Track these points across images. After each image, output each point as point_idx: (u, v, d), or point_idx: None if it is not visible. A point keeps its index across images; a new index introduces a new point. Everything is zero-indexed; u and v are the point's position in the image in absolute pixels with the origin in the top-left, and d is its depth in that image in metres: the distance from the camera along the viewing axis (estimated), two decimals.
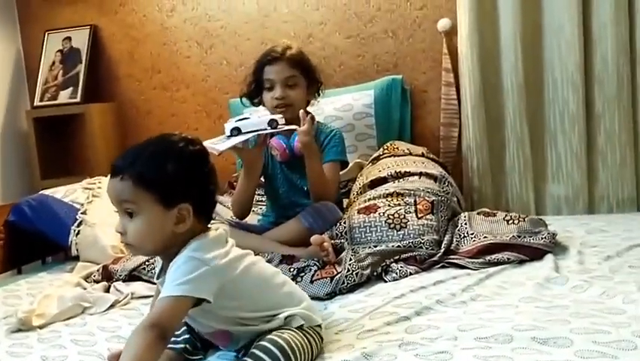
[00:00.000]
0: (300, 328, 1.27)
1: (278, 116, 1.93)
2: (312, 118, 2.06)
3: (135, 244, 1.22)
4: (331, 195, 2.08)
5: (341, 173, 2.31)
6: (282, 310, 1.28)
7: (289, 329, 1.25)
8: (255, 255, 1.85)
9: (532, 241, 1.87)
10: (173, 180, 1.19)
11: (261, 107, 2.23)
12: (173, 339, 1.31)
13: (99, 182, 2.51)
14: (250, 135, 1.88)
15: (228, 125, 1.89)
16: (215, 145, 1.82)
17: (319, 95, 2.19)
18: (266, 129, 1.90)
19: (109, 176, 1.23)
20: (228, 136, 1.88)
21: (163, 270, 1.26)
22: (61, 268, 2.25)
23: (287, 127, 1.94)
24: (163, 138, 1.26)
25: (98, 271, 2.03)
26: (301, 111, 1.97)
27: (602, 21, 2.43)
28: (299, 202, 2.06)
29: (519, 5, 2.50)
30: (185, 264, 1.16)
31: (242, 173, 2.05)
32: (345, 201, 2.32)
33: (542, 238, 1.88)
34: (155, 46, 3.13)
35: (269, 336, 1.21)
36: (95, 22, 3.19)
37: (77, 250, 2.24)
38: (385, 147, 2.51)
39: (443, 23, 2.66)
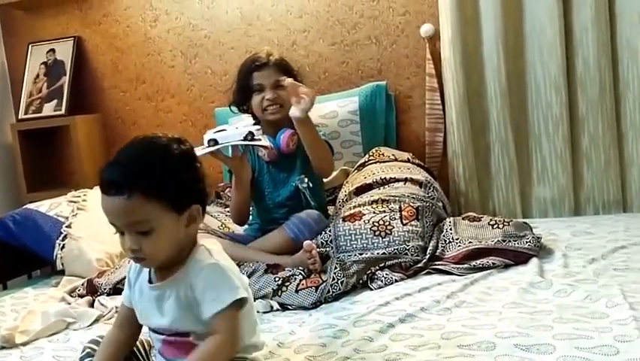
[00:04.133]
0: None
1: (255, 128, 1.96)
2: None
3: (151, 258, 1.15)
4: (330, 159, 2.15)
5: (327, 180, 2.34)
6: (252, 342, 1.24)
7: None
8: (240, 265, 1.89)
9: (516, 245, 1.88)
10: (181, 183, 1.14)
11: (244, 115, 2.25)
12: None
13: (84, 195, 2.50)
14: (222, 146, 1.93)
15: (206, 137, 1.94)
16: None
17: None
18: (241, 140, 1.94)
19: (102, 194, 1.12)
20: (206, 147, 1.93)
21: (156, 277, 1.19)
22: (46, 283, 2.23)
23: (260, 143, 1.97)
24: (151, 141, 1.17)
25: (82, 285, 2.02)
26: (288, 82, 1.98)
27: (582, 24, 2.44)
28: (284, 203, 2.08)
29: (500, 9, 2.50)
30: (214, 273, 1.13)
31: (234, 182, 2.09)
32: (332, 209, 2.32)
33: (527, 242, 1.88)
34: (139, 56, 3.12)
35: None
36: (78, 33, 3.17)
37: (62, 264, 2.23)
38: (371, 154, 2.51)
39: (426, 29, 2.66)
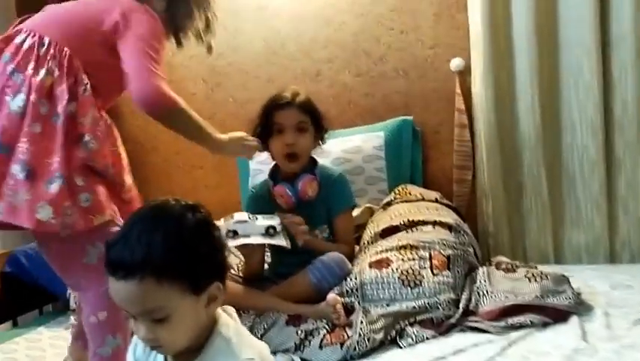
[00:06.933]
0: None
1: (276, 222, 1.91)
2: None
3: (169, 346, 1.02)
4: (349, 251, 2.08)
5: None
6: None
7: None
8: (260, 315, 1.79)
9: (555, 301, 1.77)
10: (199, 259, 1.00)
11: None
12: None
13: None
14: (245, 241, 1.88)
15: (226, 225, 1.88)
16: None
17: (324, 141, 2.18)
18: (261, 237, 1.89)
19: (109, 276, 0.98)
20: (227, 238, 1.86)
21: None
22: (59, 322, 2.15)
23: (279, 243, 1.90)
24: (163, 209, 1.03)
25: None
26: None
27: (622, 63, 2.33)
28: (305, 250, 1.99)
29: (535, 44, 2.40)
30: None
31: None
32: (356, 249, 2.23)
33: (567, 299, 1.78)
34: None
35: None
36: None
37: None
38: (397, 192, 2.41)
39: (456, 63, 2.57)
